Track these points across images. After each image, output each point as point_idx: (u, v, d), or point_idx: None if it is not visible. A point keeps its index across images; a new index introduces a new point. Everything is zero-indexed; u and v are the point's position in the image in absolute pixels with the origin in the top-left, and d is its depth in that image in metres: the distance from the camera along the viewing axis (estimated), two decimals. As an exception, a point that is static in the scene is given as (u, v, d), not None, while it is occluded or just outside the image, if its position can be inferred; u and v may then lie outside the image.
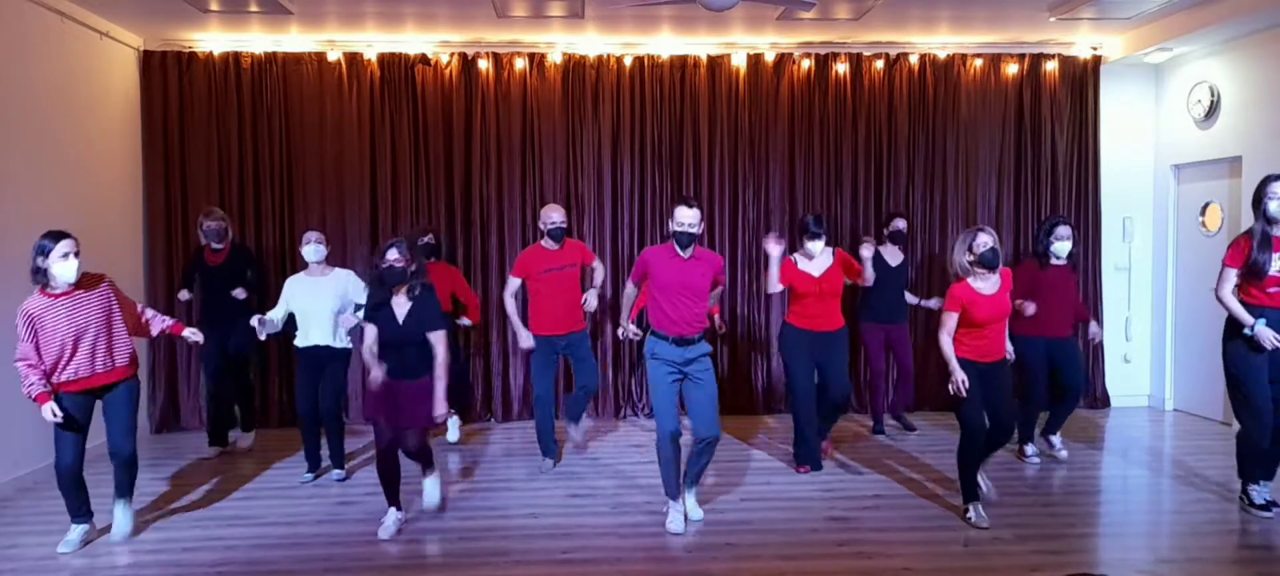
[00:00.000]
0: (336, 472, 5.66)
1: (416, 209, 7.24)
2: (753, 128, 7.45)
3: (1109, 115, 7.69)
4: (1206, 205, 7.28)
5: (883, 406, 6.80)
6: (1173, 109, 7.55)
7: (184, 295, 6.43)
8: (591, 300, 5.74)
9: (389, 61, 7.21)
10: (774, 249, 5.22)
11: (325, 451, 5.72)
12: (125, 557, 4.38)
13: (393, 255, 4.56)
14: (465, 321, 6.41)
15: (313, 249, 5.52)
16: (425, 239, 6.34)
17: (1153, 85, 7.76)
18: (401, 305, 4.60)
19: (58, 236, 4.27)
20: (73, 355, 4.31)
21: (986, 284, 4.57)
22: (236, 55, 7.13)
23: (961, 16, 6.81)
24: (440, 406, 4.61)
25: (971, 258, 4.55)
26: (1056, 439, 6.05)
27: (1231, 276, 4.75)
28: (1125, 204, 7.79)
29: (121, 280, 6.27)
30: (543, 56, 7.30)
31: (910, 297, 6.79)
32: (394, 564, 4.28)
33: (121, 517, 4.61)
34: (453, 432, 6.65)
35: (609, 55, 7.33)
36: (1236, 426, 5.00)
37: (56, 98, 5.99)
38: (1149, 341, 7.84)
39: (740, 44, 7.40)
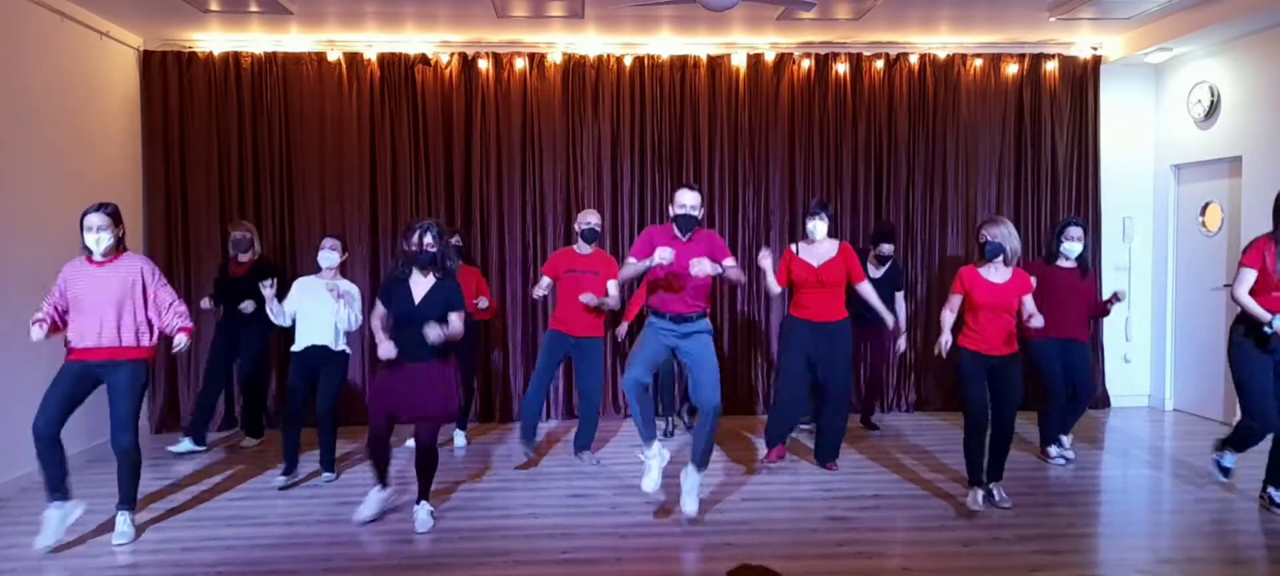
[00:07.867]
0: (327, 475, 5.62)
1: (416, 209, 7.22)
2: (753, 128, 7.45)
3: (1109, 115, 7.69)
4: (1206, 205, 7.28)
5: (875, 405, 6.82)
6: (1173, 109, 7.54)
7: (206, 303, 6.45)
8: (590, 299, 5.68)
9: (389, 61, 7.21)
10: (765, 262, 5.30)
11: (319, 455, 5.68)
12: (125, 557, 4.37)
13: (428, 239, 4.60)
14: (482, 303, 6.34)
15: (325, 255, 5.55)
16: (454, 241, 6.25)
17: (1153, 85, 7.76)
18: (421, 285, 4.62)
19: (93, 209, 4.46)
20: (84, 320, 4.40)
21: (995, 273, 4.80)
22: (236, 55, 7.12)
23: (961, 16, 6.81)
24: (456, 323, 4.60)
25: (980, 243, 4.85)
26: (1066, 439, 5.96)
27: (1249, 277, 4.68)
28: (1125, 204, 7.78)
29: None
30: (543, 56, 7.30)
31: (893, 312, 6.04)
32: (394, 564, 4.28)
33: (122, 526, 4.53)
34: (459, 440, 6.60)
35: (609, 55, 7.33)
36: (1238, 419, 5.03)
37: (56, 98, 5.98)
38: (1149, 341, 7.83)
39: (740, 44, 7.39)
